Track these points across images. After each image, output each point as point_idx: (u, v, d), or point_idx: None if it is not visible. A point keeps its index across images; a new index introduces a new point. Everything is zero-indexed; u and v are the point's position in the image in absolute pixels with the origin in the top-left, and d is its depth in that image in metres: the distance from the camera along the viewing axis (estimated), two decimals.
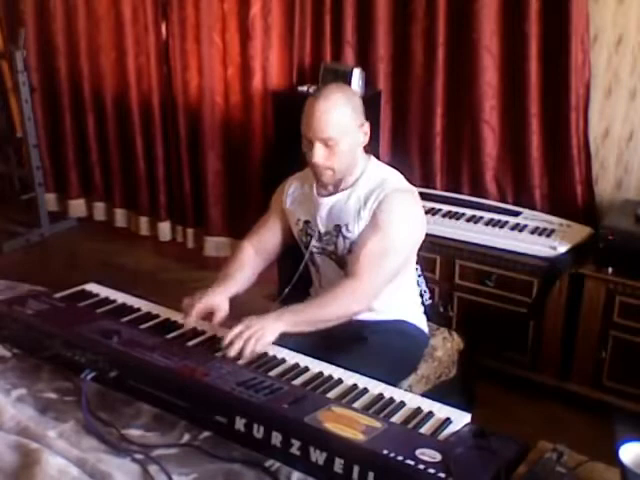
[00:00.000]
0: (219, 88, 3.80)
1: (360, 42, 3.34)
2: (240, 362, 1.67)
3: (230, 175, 3.92)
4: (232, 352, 1.68)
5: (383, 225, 1.89)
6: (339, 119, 1.86)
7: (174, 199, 4.19)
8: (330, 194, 2.01)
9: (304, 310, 1.86)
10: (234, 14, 3.64)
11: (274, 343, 1.78)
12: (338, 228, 1.99)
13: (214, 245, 4.02)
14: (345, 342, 1.94)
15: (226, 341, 1.71)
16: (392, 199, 1.91)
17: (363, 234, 1.93)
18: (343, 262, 2.01)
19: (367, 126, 1.96)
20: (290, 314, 1.80)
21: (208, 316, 1.90)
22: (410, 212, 1.96)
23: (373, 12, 3.22)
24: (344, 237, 1.98)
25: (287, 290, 2.13)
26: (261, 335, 1.71)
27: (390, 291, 2.01)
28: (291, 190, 2.12)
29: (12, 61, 4.07)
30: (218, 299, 1.92)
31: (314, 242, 2.05)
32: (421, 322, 2.16)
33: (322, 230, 2.03)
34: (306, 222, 2.06)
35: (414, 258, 2.10)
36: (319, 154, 1.88)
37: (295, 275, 2.12)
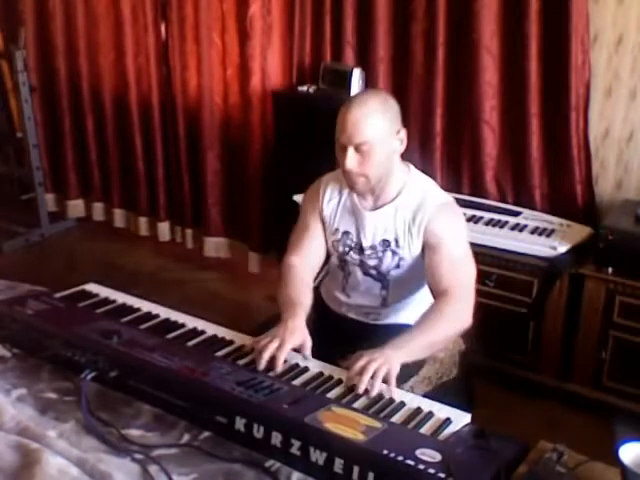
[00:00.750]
0: (218, 88, 3.79)
1: (360, 42, 3.34)
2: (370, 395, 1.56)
3: (229, 175, 3.92)
4: (361, 389, 1.55)
5: (444, 241, 1.88)
6: (374, 124, 1.81)
7: (173, 199, 4.19)
8: (375, 208, 1.97)
9: (418, 337, 1.75)
10: (233, 14, 3.64)
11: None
12: (387, 243, 1.95)
13: (213, 245, 4.02)
14: (348, 342, 1.93)
15: (348, 377, 1.61)
16: (441, 214, 1.91)
17: (430, 257, 1.90)
18: (383, 275, 1.99)
19: (404, 133, 1.90)
20: (407, 344, 1.70)
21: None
22: (459, 220, 1.98)
23: (373, 12, 3.22)
24: (393, 252, 1.96)
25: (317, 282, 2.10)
26: (387, 369, 1.59)
27: (409, 297, 2.04)
28: (328, 196, 2.04)
29: (12, 61, 4.07)
30: (300, 334, 1.74)
31: (352, 254, 2.01)
32: None
33: (365, 244, 1.99)
34: (345, 233, 2.02)
35: None
36: (352, 160, 1.83)
37: (317, 279, 2.09)
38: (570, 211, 2.95)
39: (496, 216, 2.94)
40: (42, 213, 4.35)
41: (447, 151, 3.26)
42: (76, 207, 4.56)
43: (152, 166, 4.18)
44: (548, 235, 2.76)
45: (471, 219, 2.92)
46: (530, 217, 2.92)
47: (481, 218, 2.93)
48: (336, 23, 3.35)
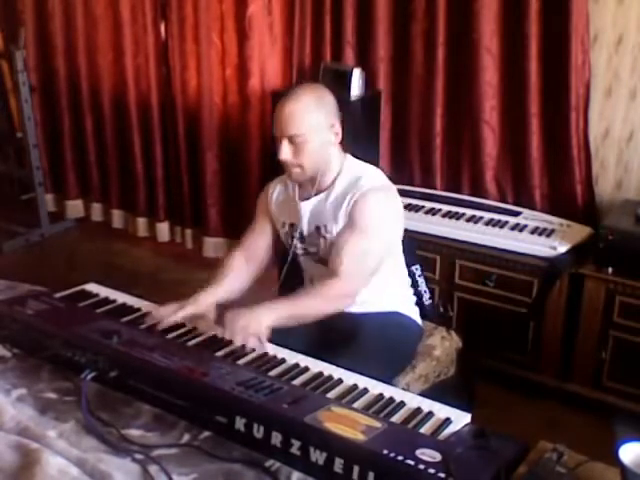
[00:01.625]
0: (218, 88, 3.80)
1: (360, 42, 3.34)
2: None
3: (228, 176, 3.92)
4: (238, 341, 1.75)
5: (361, 225, 1.92)
6: (306, 117, 1.89)
7: (172, 200, 4.19)
8: (310, 197, 2.03)
9: (293, 306, 1.88)
10: (233, 14, 3.64)
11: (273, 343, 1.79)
12: (318, 229, 2.02)
13: (213, 246, 4.02)
14: (342, 338, 1.96)
15: (226, 332, 1.78)
16: (367, 199, 1.93)
17: (342, 235, 1.95)
18: (326, 262, 2.03)
19: (338, 127, 1.97)
20: (279, 309, 1.84)
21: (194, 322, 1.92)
22: (386, 210, 1.98)
23: (373, 12, 3.22)
24: (324, 238, 2.01)
25: (275, 290, 2.22)
26: (256, 326, 1.75)
27: (381, 283, 2.05)
28: (275, 194, 2.14)
29: (12, 61, 4.07)
30: (203, 305, 1.94)
31: (299, 245, 2.08)
32: (414, 313, 2.18)
33: (305, 232, 2.05)
34: (291, 225, 2.09)
35: (398, 250, 2.13)
36: (285, 151, 1.92)
37: (281, 276, 2.15)
38: (570, 211, 2.95)
39: (496, 216, 2.94)
40: (42, 213, 4.34)
41: (447, 151, 3.26)
42: (75, 207, 4.56)
43: (151, 166, 4.18)
44: (548, 235, 2.76)
45: (471, 219, 2.93)
46: (530, 217, 2.92)
47: (481, 218, 2.93)
48: (336, 23, 3.35)
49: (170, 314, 1.87)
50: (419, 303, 2.26)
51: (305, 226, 2.04)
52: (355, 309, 2.03)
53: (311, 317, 1.91)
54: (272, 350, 1.78)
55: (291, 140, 1.91)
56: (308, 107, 1.90)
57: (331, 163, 2.00)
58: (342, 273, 1.89)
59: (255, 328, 1.76)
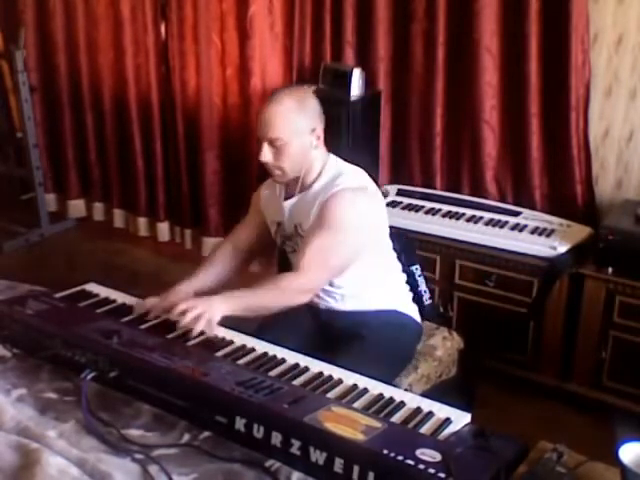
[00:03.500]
0: (218, 88, 3.79)
1: (360, 42, 3.33)
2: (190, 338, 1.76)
3: (228, 176, 3.92)
4: (182, 323, 1.76)
5: (328, 222, 1.92)
6: (287, 121, 1.91)
7: (172, 200, 4.19)
8: (291, 196, 2.05)
9: (251, 297, 1.90)
10: (234, 14, 3.64)
11: (269, 341, 1.81)
12: (296, 228, 2.04)
13: (212, 246, 4.00)
14: (341, 337, 1.96)
15: (174, 315, 1.80)
16: (339, 197, 1.93)
17: (309, 231, 1.97)
18: None
19: (320, 130, 1.98)
20: (236, 299, 1.86)
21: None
22: (355, 209, 1.95)
23: (373, 12, 3.22)
24: (300, 236, 2.02)
25: None
26: (209, 315, 1.77)
27: (377, 281, 2.06)
28: (267, 192, 2.17)
29: (12, 61, 4.07)
30: (181, 295, 1.97)
31: (287, 242, 2.10)
32: (412, 312, 2.18)
33: (286, 231, 2.08)
34: (278, 224, 2.11)
35: (387, 249, 2.12)
36: (265, 153, 1.94)
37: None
38: (570, 211, 2.95)
39: (496, 216, 2.94)
40: (42, 213, 4.34)
41: (447, 151, 3.26)
42: (77, 207, 4.57)
43: (151, 166, 4.17)
44: (548, 235, 2.76)
45: (471, 219, 2.93)
46: (530, 217, 2.92)
47: (481, 218, 2.93)
48: (336, 23, 3.35)
49: (153, 305, 1.92)
50: (419, 303, 2.26)
51: (287, 225, 2.07)
52: (356, 307, 2.04)
53: (267, 309, 1.95)
54: (222, 333, 1.83)
55: (271, 143, 1.93)
56: (289, 111, 1.91)
57: (313, 164, 2.01)
58: (302, 267, 1.91)
59: (209, 315, 1.77)
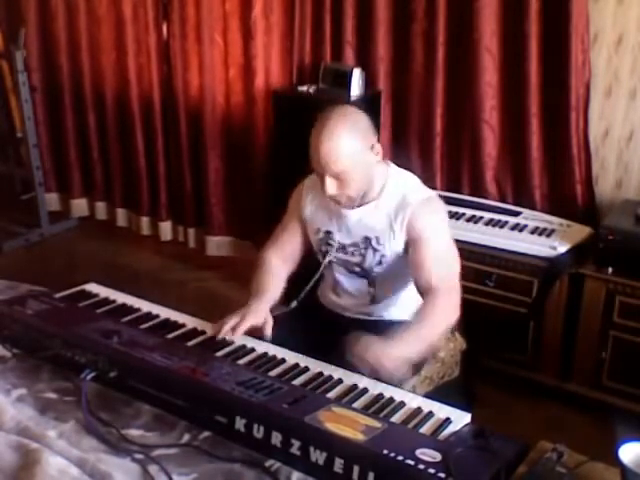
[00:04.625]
0: (220, 88, 3.80)
1: (360, 42, 3.33)
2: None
3: (232, 174, 3.92)
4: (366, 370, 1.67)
5: (428, 236, 1.89)
6: (347, 152, 1.81)
7: (175, 199, 4.19)
8: (356, 206, 1.97)
9: (416, 335, 1.80)
10: (235, 14, 3.64)
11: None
12: (368, 240, 1.97)
13: (215, 245, 4.03)
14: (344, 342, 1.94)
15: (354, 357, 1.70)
16: (423, 210, 1.91)
17: (414, 254, 1.91)
18: (367, 273, 2.01)
19: (377, 145, 1.90)
20: (406, 342, 1.76)
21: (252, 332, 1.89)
22: (441, 214, 1.97)
23: (373, 12, 3.22)
24: (374, 249, 1.97)
25: (302, 295, 2.13)
26: (390, 363, 1.68)
27: (398, 293, 2.05)
28: (309, 198, 2.07)
29: (12, 61, 4.07)
30: (262, 315, 1.90)
31: (334, 253, 2.03)
32: None
33: (347, 242, 2.01)
34: (327, 232, 2.04)
35: None
36: (331, 187, 1.85)
37: (311, 281, 2.11)
38: (570, 211, 2.95)
39: (496, 216, 2.94)
40: (42, 213, 4.34)
41: (447, 151, 3.26)
42: (79, 206, 4.57)
43: (154, 165, 4.18)
44: (548, 235, 2.76)
45: (471, 219, 2.93)
46: (530, 217, 2.92)
47: (481, 218, 2.93)
48: (336, 23, 3.35)
49: (233, 324, 1.84)
50: None
51: (351, 235, 1.99)
52: (366, 317, 2.05)
53: (432, 342, 1.86)
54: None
55: (335, 176, 1.84)
56: (344, 141, 1.80)
57: (374, 178, 1.95)
58: (438, 283, 1.85)
59: (389, 365, 1.67)
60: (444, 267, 1.89)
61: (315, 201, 2.06)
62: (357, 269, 2.03)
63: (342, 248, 2.02)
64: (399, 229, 1.92)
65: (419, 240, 1.89)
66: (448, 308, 1.87)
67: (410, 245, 1.92)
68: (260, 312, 1.90)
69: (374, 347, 1.68)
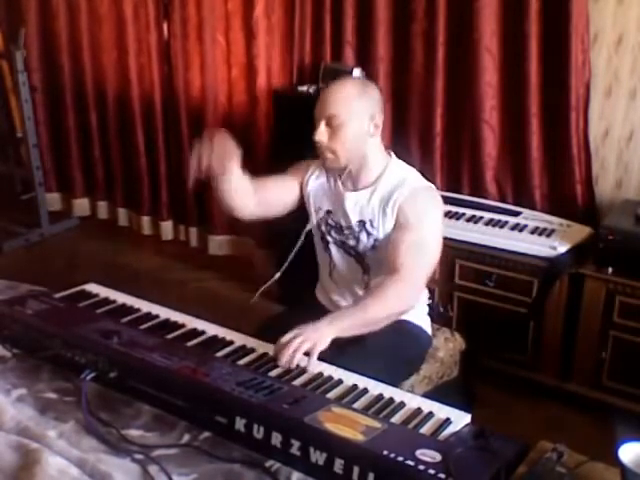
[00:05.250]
0: (222, 87, 3.81)
1: (360, 42, 3.34)
2: (291, 368, 1.64)
3: None
4: (282, 361, 1.64)
5: (413, 222, 1.90)
6: (347, 101, 1.89)
7: (176, 198, 4.19)
8: (354, 189, 2.01)
9: (354, 314, 1.80)
10: (237, 13, 3.66)
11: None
12: (362, 224, 2.00)
13: (218, 244, 4.03)
14: (345, 343, 1.94)
15: (274, 350, 1.68)
16: (416, 196, 1.93)
17: (394, 235, 1.92)
18: (361, 257, 2.03)
19: (379, 119, 1.95)
20: (341, 319, 1.76)
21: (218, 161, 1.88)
22: (435, 207, 1.97)
23: (373, 12, 3.22)
24: (368, 233, 1.99)
25: (283, 268, 2.13)
26: (313, 343, 1.65)
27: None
28: (315, 174, 2.11)
29: (12, 61, 4.08)
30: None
31: (333, 233, 2.07)
32: (424, 323, 2.15)
33: (344, 223, 2.04)
34: (328, 212, 2.07)
35: None
36: (321, 131, 1.91)
37: (295, 247, 2.09)
38: (570, 211, 2.95)
39: (496, 216, 2.94)
40: (42, 213, 4.35)
41: (447, 151, 3.26)
42: (81, 206, 4.58)
43: (155, 165, 4.18)
44: (548, 235, 2.76)
45: (471, 219, 2.93)
46: (530, 217, 2.92)
47: (481, 218, 2.93)
48: (336, 23, 3.35)
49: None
50: None
51: (347, 217, 2.02)
52: None
53: (376, 323, 1.83)
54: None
55: (328, 122, 1.90)
56: (350, 92, 1.90)
57: (370, 158, 1.97)
58: (401, 272, 1.84)
59: (314, 340, 1.65)
60: (416, 258, 1.87)
61: (320, 179, 2.10)
62: (352, 252, 2.05)
63: (339, 229, 2.05)
64: (391, 212, 1.94)
65: (404, 224, 1.91)
66: (399, 297, 1.84)
67: (395, 226, 1.94)
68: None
69: (305, 328, 1.68)
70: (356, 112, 1.90)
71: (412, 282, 1.88)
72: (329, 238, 2.09)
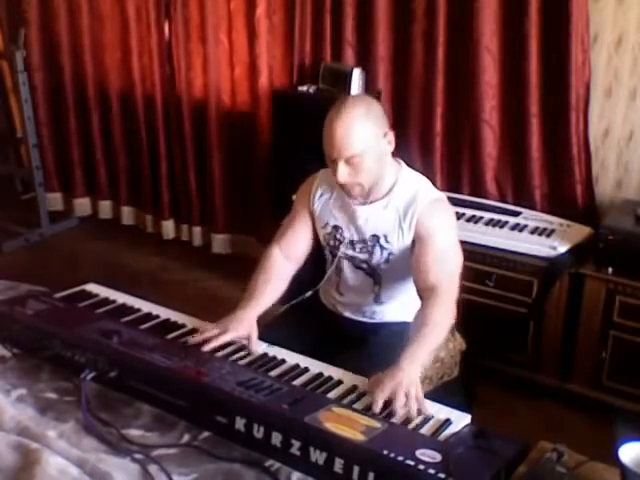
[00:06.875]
0: (224, 87, 3.81)
1: (360, 42, 3.34)
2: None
3: (237, 172, 3.93)
4: (400, 412, 1.52)
5: (433, 233, 1.89)
6: (360, 136, 1.81)
7: (180, 197, 4.19)
8: (365, 203, 1.97)
9: (422, 347, 1.74)
10: (240, 13, 3.65)
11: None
12: (376, 238, 1.97)
13: (221, 243, 4.04)
14: (347, 344, 1.94)
15: (374, 409, 1.54)
16: (432, 209, 1.92)
17: (417, 249, 1.91)
18: (373, 270, 2.01)
19: (391, 135, 1.90)
20: (417, 357, 1.70)
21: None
22: (450, 217, 1.98)
23: (373, 12, 3.22)
24: (382, 247, 1.97)
25: (318, 287, 2.11)
26: (415, 388, 1.58)
27: (402, 294, 2.04)
28: (319, 193, 2.06)
29: (12, 61, 4.08)
30: (246, 327, 1.82)
31: (343, 248, 2.03)
32: None
33: (355, 238, 2.01)
34: (335, 227, 2.04)
35: None
36: (343, 173, 1.84)
37: (323, 278, 2.09)
38: (570, 211, 2.95)
39: (496, 216, 2.94)
40: (42, 213, 4.35)
41: (447, 151, 3.26)
42: (82, 205, 4.57)
43: (158, 164, 4.18)
44: (548, 235, 2.76)
45: (471, 219, 2.93)
46: (530, 217, 2.92)
47: (481, 218, 2.93)
48: (336, 23, 3.35)
49: (211, 335, 1.77)
50: None
51: (360, 231, 1.99)
52: (367, 319, 2.05)
53: (439, 345, 1.83)
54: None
55: (347, 161, 1.83)
56: (358, 125, 1.81)
57: (387, 170, 1.94)
58: (435, 288, 1.83)
59: (408, 386, 1.57)
60: (445, 268, 1.88)
61: (325, 195, 2.06)
62: (364, 266, 2.03)
63: (350, 243, 2.02)
64: (407, 227, 1.93)
65: (425, 237, 1.90)
66: (447, 311, 1.85)
67: (416, 242, 1.92)
68: (244, 323, 1.82)
69: (400, 378, 1.58)
70: (370, 141, 1.83)
71: (449, 295, 1.87)
72: (339, 253, 2.04)
